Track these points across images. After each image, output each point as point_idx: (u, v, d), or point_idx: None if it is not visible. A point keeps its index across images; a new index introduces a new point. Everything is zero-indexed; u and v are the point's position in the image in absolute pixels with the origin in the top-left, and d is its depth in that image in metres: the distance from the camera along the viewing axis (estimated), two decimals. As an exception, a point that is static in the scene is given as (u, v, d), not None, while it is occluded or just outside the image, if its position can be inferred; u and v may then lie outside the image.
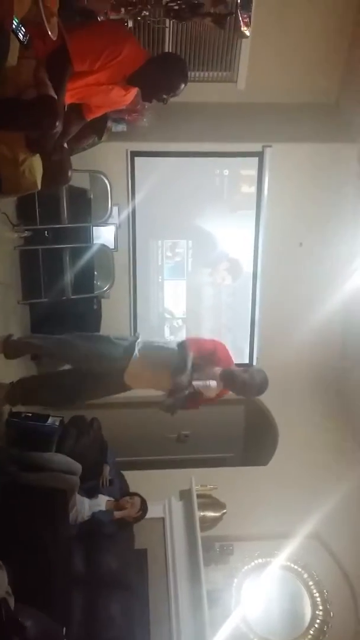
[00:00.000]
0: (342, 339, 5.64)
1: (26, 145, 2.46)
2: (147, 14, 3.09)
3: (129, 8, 2.84)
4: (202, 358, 3.53)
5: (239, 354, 5.84)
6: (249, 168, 5.33)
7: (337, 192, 5.26)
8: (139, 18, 3.27)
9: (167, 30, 4.82)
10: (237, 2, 3.24)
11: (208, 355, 3.56)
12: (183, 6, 2.95)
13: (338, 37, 5.07)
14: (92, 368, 3.66)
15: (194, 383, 3.41)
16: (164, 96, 2.81)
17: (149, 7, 2.95)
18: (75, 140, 3.04)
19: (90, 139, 3.30)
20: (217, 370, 3.51)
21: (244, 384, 3.54)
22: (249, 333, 5.78)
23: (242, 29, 4.03)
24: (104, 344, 3.65)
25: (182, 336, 5.82)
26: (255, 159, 5.26)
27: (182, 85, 2.81)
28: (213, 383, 3.47)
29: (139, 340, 3.67)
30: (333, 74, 5.28)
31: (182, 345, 3.62)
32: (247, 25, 4.07)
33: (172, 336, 5.77)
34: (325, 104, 5.37)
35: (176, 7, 2.97)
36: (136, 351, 3.57)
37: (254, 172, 5.32)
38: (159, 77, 2.76)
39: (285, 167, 5.24)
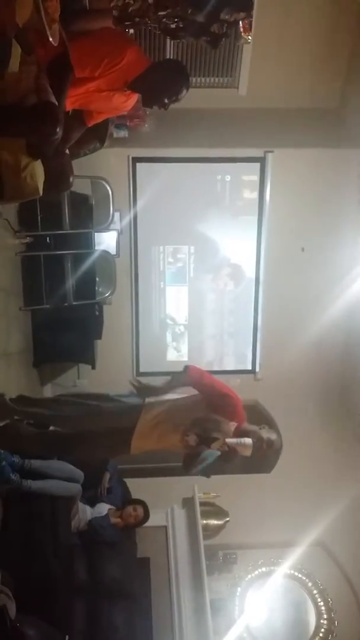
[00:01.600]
0: (345, 344, 5.62)
1: (27, 151, 2.45)
2: (149, 22, 3.07)
3: (127, 23, 2.82)
4: (213, 397, 3.07)
5: (241, 360, 5.82)
6: (250, 173, 5.34)
7: (339, 197, 5.25)
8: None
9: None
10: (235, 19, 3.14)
11: (220, 399, 3.07)
12: (180, 25, 2.92)
13: (340, 42, 5.06)
14: (94, 427, 3.13)
15: (228, 441, 2.94)
16: (166, 101, 2.80)
17: (147, 20, 2.93)
18: (77, 146, 3.03)
19: (92, 145, 3.29)
20: (232, 426, 3.02)
21: (270, 441, 3.08)
22: (252, 339, 5.75)
23: (243, 34, 4.02)
24: (107, 401, 3.19)
25: (184, 341, 5.82)
26: (257, 165, 5.28)
27: (185, 90, 2.80)
28: (248, 441, 2.97)
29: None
30: (335, 79, 5.27)
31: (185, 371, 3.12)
32: (248, 31, 4.06)
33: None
34: (327, 110, 5.36)
35: (173, 26, 2.95)
36: (145, 401, 3.11)
37: (255, 178, 5.32)
38: (161, 82, 2.74)
39: (287, 173, 5.24)
